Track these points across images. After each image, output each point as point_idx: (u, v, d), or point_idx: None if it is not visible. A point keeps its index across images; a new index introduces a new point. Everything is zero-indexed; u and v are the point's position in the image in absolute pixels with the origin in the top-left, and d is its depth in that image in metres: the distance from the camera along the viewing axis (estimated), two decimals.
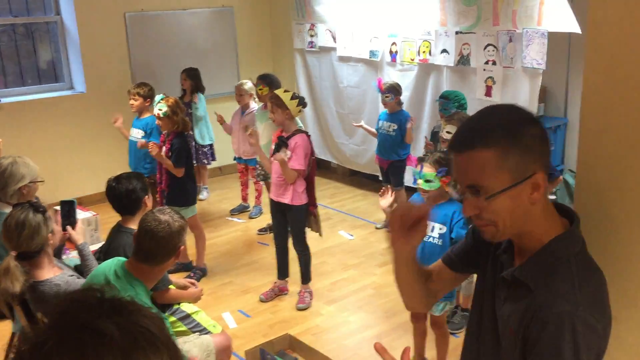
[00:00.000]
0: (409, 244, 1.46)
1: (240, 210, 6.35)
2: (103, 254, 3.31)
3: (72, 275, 2.78)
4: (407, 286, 1.60)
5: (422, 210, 1.42)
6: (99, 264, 3.13)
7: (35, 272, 2.72)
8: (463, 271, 1.64)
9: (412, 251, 1.49)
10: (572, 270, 1.31)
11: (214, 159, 6.66)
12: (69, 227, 3.13)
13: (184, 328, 3.13)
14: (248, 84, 5.84)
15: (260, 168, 5.62)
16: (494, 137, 1.27)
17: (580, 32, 4.62)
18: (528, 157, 1.27)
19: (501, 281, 1.44)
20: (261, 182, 5.87)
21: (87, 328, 0.78)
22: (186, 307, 3.20)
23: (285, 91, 4.24)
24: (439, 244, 3.26)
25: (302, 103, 4.23)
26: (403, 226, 1.43)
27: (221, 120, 5.74)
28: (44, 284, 2.70)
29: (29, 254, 2.70)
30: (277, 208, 4.37)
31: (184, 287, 3.24)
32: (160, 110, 4.49)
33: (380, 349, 1.32)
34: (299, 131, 4.26)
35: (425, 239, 3.27)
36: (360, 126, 5.85)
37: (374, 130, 5.66)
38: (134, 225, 3.24)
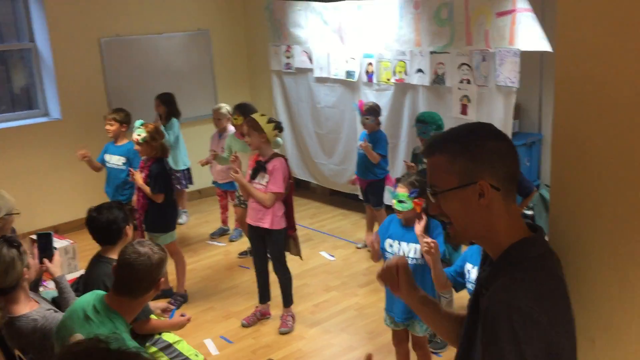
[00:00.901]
0: (404, 294, 1.73)
1: (220, 233, 6.32)
2: (82, 284, 3.26)
3: (49, 310, 2.72)
4: (435, 326, 1.80)
5: (389, 269, 1.73)
6: (78, 293, 3.09)
7: (11, 307, 2.67)
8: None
9: (415, 297, 1.74)
10: (521, 269, 1.39)
11: (190, 183, 6.62)
12: (45, 260, 3.07)
13: (165, 358, 3.09)
14: (225, 108, 5.86)
15: (239, 193, 5.61)
16: (447, 145, 1.47)
17: (552, 50, 4.71)
18: (475, 165, 1.42)
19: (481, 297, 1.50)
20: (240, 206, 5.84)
21: None
22: (168, 337, 3.16)
23: (261, 115, 4.25)
24: (421, 263, 3.28)
25: (278, 127, 4.24)
26: (392, 280, 1.73)
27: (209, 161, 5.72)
28: (21, 320, 2.64)
29: (4, 289, 2.65)
30: (256, 233, 4.35)
31: (164, 311, 3.20)
32: (139, 135, 4.47)
33: None
34: (276, 155, 4.27)
35: (408, 261, 3.31)
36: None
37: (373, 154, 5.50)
38: (114, 255, 3.19)
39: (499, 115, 5.14)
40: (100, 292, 2.49)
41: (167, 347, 3.10)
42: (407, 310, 3.35)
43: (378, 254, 3.43)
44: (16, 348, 2.69)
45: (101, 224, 3.26)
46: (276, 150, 4.46)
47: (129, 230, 3.31)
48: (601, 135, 1.55)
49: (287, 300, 4.49)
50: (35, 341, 2.62)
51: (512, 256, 1.42)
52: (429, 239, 3.06)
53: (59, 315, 2.64)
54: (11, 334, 2.64)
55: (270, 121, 4.19)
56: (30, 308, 2.68)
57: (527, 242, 1.44)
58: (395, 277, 1.73)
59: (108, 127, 5.15)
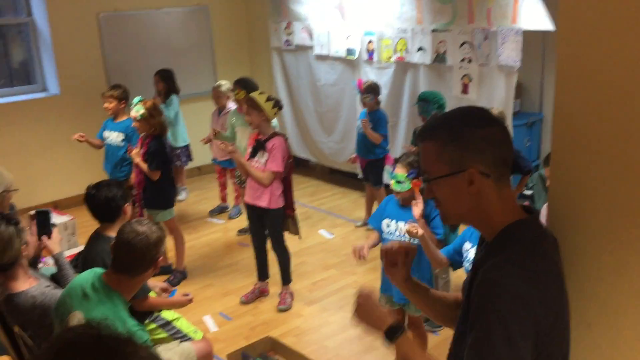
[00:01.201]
0: (397, 276, 1.74)
1: (220, 210, 6.32)
2: (82, 261, 3.28)
3: (48, 286, 2.73)
4: (427, 310, 1.82)
5: (401, 250, 1.72)
6: (77, 270, 3.10)
7: (9, 284, 2.68)
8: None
9: (406, 282, 1.75)
10: (514, 250, 1.40)
11: (190, 159, 6.60)
12: (44, 237, 3.08)
13: (164, 335, 3.11)
14: (226, 86, 5.82)
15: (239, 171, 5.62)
16: (438, 132, 1.48)
17: (554, 30, 4.67)
18: (464, 153, 1.43)
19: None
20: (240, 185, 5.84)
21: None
22: (166, 314, 3.18)
23: (260, 93, 4.22)
24: (418, 243, 3.28)
25: (277, 105, 4.22)
26: (390, 262, 1.73)
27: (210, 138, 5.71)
28: (20, 296, 2.66)
29: (2, 266, 2.66)
30: (254, 212, 4.35)
31: (164, 290, 3.22)
32: (137, 112, 4.45)
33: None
34: (276, 134, 4.25)
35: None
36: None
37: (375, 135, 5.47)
38: (112, 233, 3.18)
39: (500, 94, 5.12)
40: (99, 270, 2.50)
41: (166, 324, 3.13)
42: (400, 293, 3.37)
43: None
44: (16, 325, 2.70)
45: (99, 202, 3.26)
46: (276, 129, 4.45)
47: (128, 208, 3.31)
48: (603, 116, 1.53)
49: (286, 278, 4.51)
50: (34, 318, 2.64)
51: (505, 238, 1.44)
52: (416, 225, 3.08)
53: (58, 291, 2.65)
54: (10, 310, 2.65)
55: (269, 99, 4.17)
56: (29, 285, 2.69)
57: (520, 224, 1.45)
58: (396, 258, 1.73)
59: (107, 104, 5.13)
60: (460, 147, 1.43)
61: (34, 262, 3.10)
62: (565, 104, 1.62)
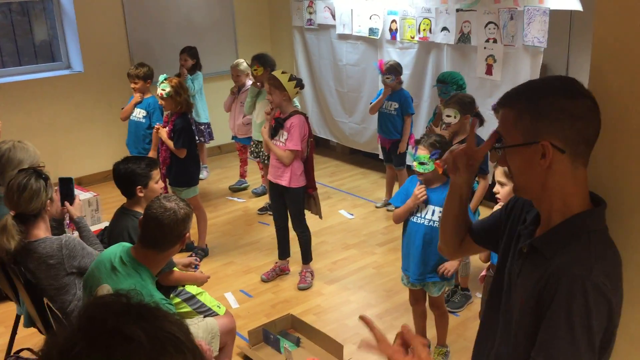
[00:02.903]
0: (458, 180, 1.67)
1: (239, 186, 6.36)
2: (107, 236, 3.33)
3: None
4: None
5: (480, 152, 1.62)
6: (103, 245, 3.17)
7: (31, 232, 2.87)
8: (481, 244, 1.75)
9: (467, 183, 1.68)
10: (590, 242, 1.37)
11: (211, 138, 6.64)
12: (67, 203, 3.23)
13: (188, 309, 3.15)
14: (244, 64, 5.84)
15: (253, 145, 5.66)
16: (518, 99, 1.43)
17: (582, 10, 4.59)
18: (540, 124, 1.37)
19: (517, 255, 1.50)
20: (255, 160, 5.87)
21: (115, 333, 0.78)
22: (191, 289, 3.22)
23: (282, 72, 4.22)
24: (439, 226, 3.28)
25: (299, 84, 4.22)
26: (462, 162, 1.63)
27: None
28: (39, 242, 2.84)
29: (26, 216, 2.86)
30: (275, 189, 4.37)
31: (187, 266, 3.27)
32: (163, 90, 4.47)
33: (367, 322, 1.40)
34: (296, 112, 4.25)
35: (426, 222, 3.32)
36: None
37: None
38: (138, 208, 3.26)
39: (524, 76, 5.05)
40: (127, 245, 2.54)
41: (191, 298, 3.17)
42: (420, 271, 3.38)
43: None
44: (27, 270, 2.86)
45: (120, 175, 3.31)
46: (298, 109, 4.44)
47: (154, 185, 3.34)
48: (638, 99, 1.51)
49: (306, 257, 4.54)
50: (42, 265, 2.82)
51: (576, 226, 1.39)
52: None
53: (79, 240, 2.89)
54: (27, 256, 2.83)
55: (291, 78, 4.16)
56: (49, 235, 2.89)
57: (594, 214, 1.41)
58: (459, 161, 1.64)
59: (133, 85, 5.21)
60: (536, 116, 1.38)
61: (59, 226, 3.22)
62: (599, 87, 1.59)
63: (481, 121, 4.34)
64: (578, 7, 4.55)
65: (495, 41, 5.23)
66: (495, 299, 1.58)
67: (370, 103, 5.60)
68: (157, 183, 3.37)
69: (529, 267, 1.43)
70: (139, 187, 3.27)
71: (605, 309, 1.31)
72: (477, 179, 3.93)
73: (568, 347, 1.29)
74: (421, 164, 3.29)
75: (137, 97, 5.22)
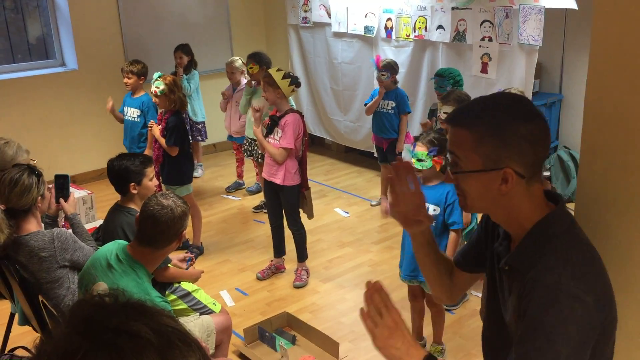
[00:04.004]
0: (416, 225, 1.60)
1: (236, 187, 6.35)
2: (102, 233, 3.32)
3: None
4: (429, 272, 1.70)
5: (418, 197, 1.57)
6: (98, 242, 3.16)
7: (21, 226, 2.86)
8: (470, 271, 1.70)
9: (423, 233, 1.62)
10: (557, 246, 1.35)
11: (207, 137, 6.62)
12: (61, 200, 3.21)
13: (184, 306, 3.14)
14: (239, 62, 5.83)
15: (247, 144, 5.64)
16: (477, 123, 1.37)
17: (577, 8, 4.60)
18: (503, 151, 1.34)
19: (502, 273, 1.49)
20: (249, 157, 5.86)
21: (119, 331, 0.76)
22: (186, 285, 3.21)
23: (278, 70, 4.20)
24: (432, 225, 3.28)
25: (294, 83, 4.20)
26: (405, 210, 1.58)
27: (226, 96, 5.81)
28: (30, 236, 2.83)
29: (16, 210, 2.86)
30: (270, 187, 4.37)
31: (182, 261, 3.26)
32: (157, 88, 4.45)
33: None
34: (292, 110, 4.24)
35: None
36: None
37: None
38: (132, 205, 3.26)
39: (520, 74, 5.07)
40: (123, 242, 2.53)
41: (186, 295, 3.16)
42: (411, 268, 3.40)
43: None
44: (19, 265, 2.86)
45: (113, 172, 3.30)
46: (293, 107, 4.44)
47: (147, 182, 3.33)
48: (636, 97, 1.51)
49: (302, 255, 4.53)
50: (34, 258, 2.81)
51: (539, 235, 1.38)
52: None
53: (71, 234, 2.88)
54: (17, 249, 2.82)
55: (286, 76, 4.15)
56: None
57: (552, 218, 1.40)
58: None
59: (126, 80, 5.16)
60: (499, 144, 1.34)
61: (53, 222, 3.22)
62: (598, 85, 1.58)
63: None
64: (573, 5, 4.57)
65: (490, 39, 5.24)
66: (493, 317, 1.57)
67: (365, 104, 5.58)
68: (151, 180, 3.35)
69: (514, 284, 1.42)
70: (133, 184, 3.26)
71: (584, 311, 1.28)
72: None
73: (551, 356, 1.27)
74: (419, 160, 3.29)
75: (109, 104, 5.19)
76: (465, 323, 3.92)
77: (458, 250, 1.75)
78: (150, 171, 3.36)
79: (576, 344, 1.27)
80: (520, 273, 1.38)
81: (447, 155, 1.45)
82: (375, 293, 1.45)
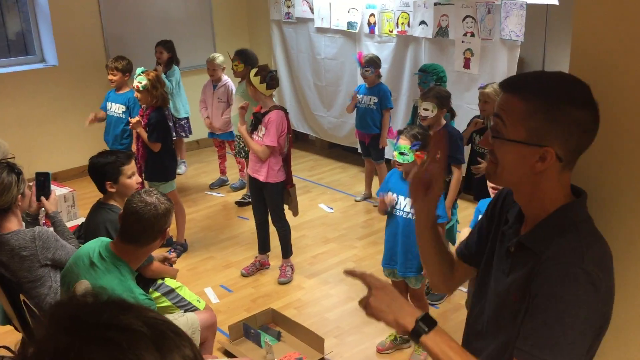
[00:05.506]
0: (426, 202, 1.58)
1: (220, 184, 6.32)
2: (84, 231, 3.29)
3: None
4: (429, 259, 1.68)
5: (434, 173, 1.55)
6: (80, 240, 3.13)
7: (2, 225, 2.81)
8: (473, 263, 1.69)
9: (430, 213, 1.60)
10: (579, 232, 1.36)
11: (190, 133, 6.58)
12: (42, 198, 3.17)
13: (168, 303, 3.12)
14: (220, 58, 5.80)
15: (240, 143, 5.62)
16: (533, 95, 1.34)
17: (558, 4, 4.63)
18: (551, 129, 1.32)
19: (504, 256, 1.48)
20: (240, 156, 5.85)
21: (110, 326, 0.74)
22: (170, 282, 3.20)
23: (255, 74, 4.15)
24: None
25: (271, 86, 4.17)
26: (420, 186, 1.56)
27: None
28: (11, 235, 2.78)
29: None
30: (254, 184, 4.36)
31: (162, 261, 3.24)
32: (139, 83, 4.41)
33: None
34: (276, 107, 4.23)
35: (404, 215, 3.35)
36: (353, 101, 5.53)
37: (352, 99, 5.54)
38: (114, 202, 3.23)
39: (502, 69, 5.10)
40: (106, 240, 2.51)
41: (170, 292, 3.14)
42: (388, 257, 3.47)
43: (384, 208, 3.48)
44: (0, 264, 2.81)
45: (93, 168, 3.27)
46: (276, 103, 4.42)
47: (125, 180, 3.28)
48: (617, 94, 1.52)
49: (286, 251, 4.52)
50: (15, 257, 2.77)
51: (561, 219, 1.38)
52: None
53: (52, 231, 2.84)
54: None
55: (263, 80, 4.12)
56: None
57: (575, 206, 1.40)
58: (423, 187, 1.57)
59: (111, 76, 5.12)
60: (549, 121, 1.32)
61: (34, 221, 3.17)
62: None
63: (452, 115, 4.39)
64: (554, 1, 4.60)
65: (472, 35, 5.26)
66: (481, 300, 1.57)
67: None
68: (129, 178, 3.27)
69: (519, 265, 1.42)
70: (109, 182, 3.22)
71: (596, 299, 1.30)
72: (451, 168, 3.95)
73: (557, 336, 1.27)
74: (402, 154, 3.30)
75: (89, 120, 5.14)
76: (450, 317, 3.95)
77: (461, 242, 1.73)
78: (128, 169, 3.27)
79: (582, 329, 1.28)
80: (533, 254, 1.38)
81: (492, 118, 1.42)
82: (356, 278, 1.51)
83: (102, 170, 3.23)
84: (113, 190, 3.22)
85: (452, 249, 4.18)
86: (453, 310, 4.01)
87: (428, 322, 1.36)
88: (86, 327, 0.75)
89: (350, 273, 1.55)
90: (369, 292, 1.45)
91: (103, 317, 0.76)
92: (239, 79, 5.40)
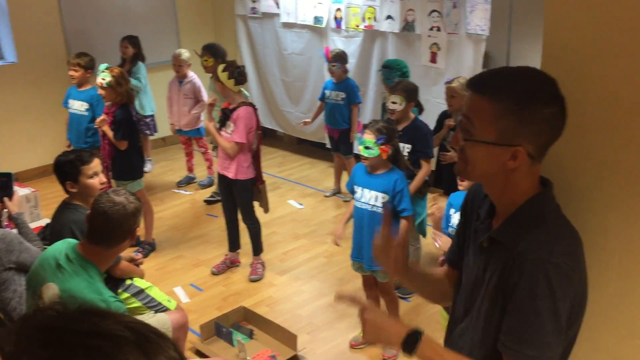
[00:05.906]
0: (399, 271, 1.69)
1: (187, 182, 6.24)
2: (49, 232, 3.20)
3: None
4: (421, 292, 1.83)
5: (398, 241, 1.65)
6: (45, 242, 3.04)
7: None
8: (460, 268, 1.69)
9: (399, 269, 1.68)
10: (547, 224, 1.38)
11: (155, 131, 6.48)
12: (5, 199, 3.10)
13: (138, 304, 3.06)
14: (186, 54, 5.72)
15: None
16: (503, 96, 1.33)
17: None
18: (520, 129, 1.33)
19: (479, 252, 1.49)
20: (211, 153, 5.78)
21: (93, 334, 0.72)
22: (139, 283, 3.14)
23: (223, 70, 4.10)
24: (381, 211, 3.31)
25: (239, 82, 4.13)
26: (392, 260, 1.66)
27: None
28: None
29: None
30: (224, 181, 4.31)
31: (130, 261, 3.18)
32: (103, 79, 4.30)
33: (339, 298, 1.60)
34: (244, 103, 4.18)
35: (369, 208, 3.36)
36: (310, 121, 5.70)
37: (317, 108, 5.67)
38: (79, 202, 3.14)
39: (468, 63, 5.14)
40: (73, 241, 2.44)
41: (140, 293, 3.08)
42: (367, 256, 3.44)
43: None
44: None
45: (57, 168, 3.19)
46: (247, 99, 4.38)
47: (86, 181, 3.19)
48: (589, 85, 1.54)
49: (257, 249, 4.49)
50: None
51: (530, 211, 1.39)
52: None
53: (15, 233, 2.76)
54: None
55: (230, 76, 4.07)
56: None
57: (543, 197, 1.42)
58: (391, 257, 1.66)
59: (72, 73, 4.99)
60: (520, 122, 1.32)
61: None
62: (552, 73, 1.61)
63: (420, 109, 4.41)
64: None
65: (439, 29, 5.29)
66: (462, 296, 1.58)
67: (319, 99, 5.64)
68: (91, 178, 3.17)
69: (493, 260, 1.43)
70: (69, 182, 3.14)
71: (569, 289, 1.33)
72: (420, 161, 3.96)
73: (536, 330, 1.31)
74: (367, 148, 3.30)
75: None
76: (421, 311, 3.97)
77: (448, 250, 1.77)
78: (89, 168, 3.16)
79: (560, 319, 1.31)
80: (505, 248, 1.39)
81: (460, 118, 1.41)
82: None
83: (60, 170, 3.15)
84: (74, 190, 3.14)
85: (424, 241, 4.24)
86: (425, 303, 4.02)
87: (413, 341, 1.42)
88: (68, 337, 0.72)
89: (340, 299, 1.62)
90: (362, 310, 1.53)
91: (84, 325, 0.73)
92: (210, 75, 5.32)
